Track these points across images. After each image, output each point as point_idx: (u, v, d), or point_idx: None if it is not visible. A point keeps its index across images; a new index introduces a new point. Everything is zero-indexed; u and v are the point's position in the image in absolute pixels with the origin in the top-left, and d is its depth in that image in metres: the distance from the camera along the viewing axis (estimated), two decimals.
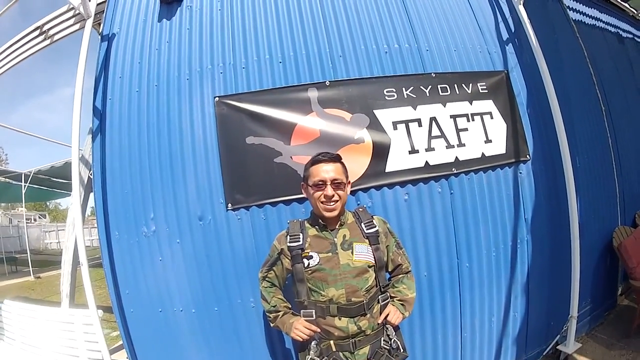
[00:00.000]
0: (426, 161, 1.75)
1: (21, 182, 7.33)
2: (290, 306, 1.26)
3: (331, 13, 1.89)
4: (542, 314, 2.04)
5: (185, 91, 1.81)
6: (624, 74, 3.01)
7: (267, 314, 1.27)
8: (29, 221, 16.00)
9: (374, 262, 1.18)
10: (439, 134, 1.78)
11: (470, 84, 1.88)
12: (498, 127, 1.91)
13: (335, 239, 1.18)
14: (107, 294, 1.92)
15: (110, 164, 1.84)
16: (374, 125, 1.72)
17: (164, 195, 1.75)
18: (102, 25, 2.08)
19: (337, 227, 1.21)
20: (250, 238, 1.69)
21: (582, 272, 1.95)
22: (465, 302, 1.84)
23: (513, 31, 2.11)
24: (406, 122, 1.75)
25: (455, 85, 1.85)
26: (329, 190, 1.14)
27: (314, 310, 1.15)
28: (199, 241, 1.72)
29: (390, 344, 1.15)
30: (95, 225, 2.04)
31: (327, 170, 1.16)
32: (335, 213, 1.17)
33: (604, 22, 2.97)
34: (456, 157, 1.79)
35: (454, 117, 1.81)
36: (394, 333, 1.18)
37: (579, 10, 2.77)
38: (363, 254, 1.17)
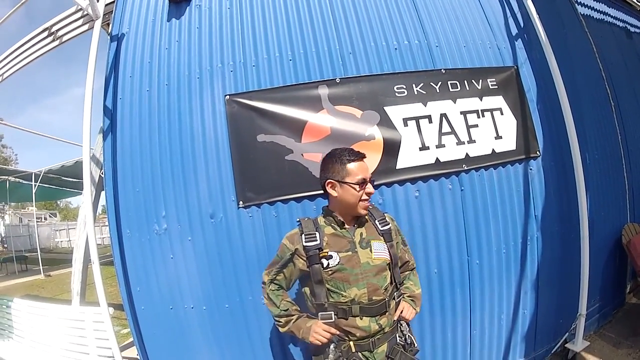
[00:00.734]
0: (437, 158, 1.75)
1: (31, 181, 7.38)
2: (299, 309, 1.22)
3: (340, 10, 1.89)
4: (551, 312, 2.03)
5: (195, 90, 1.82)
6: (633, 69, 2.98)
7: (277, 318, 1.21)
8: (39, 220, 16.19)
9: (390, 259, 1.18)
10: (450, 130, 1.78)
11: (480, 80, 1.87)
12: (508, 123, 1.90)
13: (353, 237, 1.16)
14: (118, 292, 1.94)
15: (122, 162, 1.85)
16: (385, 122, 1.72)
17: (176, 193, 1.76)
18: (111, 26, 2.09)
19: (354, 225, 1.19)
20: (261, 235, 1.70)
21: (591, 270, 1.94)
22: (475, 299, 1.84)
23: (522, 26, 2.10)
24: (417, 119, 1.75)
25: (465, 82, 1.84)
26: (372, 188, 1.16)
27: (333, 312, 1.12)
28: (211, 239, 1.72)
29: (405, 340, 1.16)
30: (106, 223, 2.05)
31: (367, 169, 1.17)
32: (367, 211, 1.19)
33: (612, 16, 2.94)
34: (466, 154, 1.79)
35: (464, 113, 1.81)
36: (407, 328, 1.19)
37: (587, 4, 2.74)
38: (381, 251, 1.17)
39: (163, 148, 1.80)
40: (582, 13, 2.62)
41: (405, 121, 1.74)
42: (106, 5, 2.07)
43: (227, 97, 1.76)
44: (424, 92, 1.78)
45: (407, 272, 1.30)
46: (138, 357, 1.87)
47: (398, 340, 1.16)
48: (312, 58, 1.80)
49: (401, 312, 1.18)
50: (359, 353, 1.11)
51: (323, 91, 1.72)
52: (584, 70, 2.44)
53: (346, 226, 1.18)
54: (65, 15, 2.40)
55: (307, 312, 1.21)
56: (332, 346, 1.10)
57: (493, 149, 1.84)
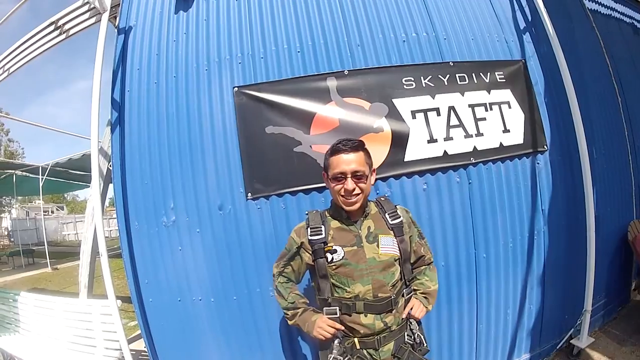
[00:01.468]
0: (445, 150, 1.75)
1: (39, 175, 7.38)
2: (308, 302, 1.21)
3: (349, 2, 1.89)
4: (557, 307, 2.03)
5: (204, 82, 1.81)
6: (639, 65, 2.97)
7: (285, 311, 1.20)
8: (46, 213, 16.21)
9: (399, 255, 1.13)
10: (458, 123, 1.78)
11: (488, 73, 1.87)
12: (516, 117, 1.90)
13: (359, 232, 1.12)
14: (125, 284, 1.94)
15: (130, 155, 1.85)
16: (393, 114, 1.72)
17: (184, 185, 1.76)
18: (118, 19, 2.09)
19: (361, 218, 1.14)
20: (270, 227, 1.70)
21: (597, 266, 1.93)
22: (482, 293, 1.84)
23: (530, 20, 2.09)
24: (425, 111, 1.74)
25: (474, 74, 1.84)
26: (349, 184, 1.06)
27: (337, 307, 1.10)
28: (219, 230, 1.73)
29: (414, 339, 1.12)
30: (114, 216, 2.06)
31: (347, 161, 1.07)
32: (356, 207, 1.10)
33: (619, 12, 2.93)
34: (474, 147, 1.79)
35: (472, 106, 1.80)
36: (417, 327, 1.14)
37: None
38: (389, 246, 1.11)
39: (171, 140, 1.80)
40: (589, 8, 2.61)
41: (414, 113, 1.73)
42: None
43: (236, 89, 1.76)
44: (432, 85, 1.78)
45: (423, 267, 1.24)
46: (145, 349, 1.88)
47: (406, 339, 1.11)
48: (321, 50, 1.79)
49: (410, 310, 1.13)
50: (364, 350, 1.09)
51: (331, 83, 1.72)
52: (592, 65, 2.43)
53: (352, 220, 1.14)
54: (72, 8, 2.39)
55: (316, 306, 1.19)
56: (336, 341, 1.08)
57: (501, 143, 1.84)
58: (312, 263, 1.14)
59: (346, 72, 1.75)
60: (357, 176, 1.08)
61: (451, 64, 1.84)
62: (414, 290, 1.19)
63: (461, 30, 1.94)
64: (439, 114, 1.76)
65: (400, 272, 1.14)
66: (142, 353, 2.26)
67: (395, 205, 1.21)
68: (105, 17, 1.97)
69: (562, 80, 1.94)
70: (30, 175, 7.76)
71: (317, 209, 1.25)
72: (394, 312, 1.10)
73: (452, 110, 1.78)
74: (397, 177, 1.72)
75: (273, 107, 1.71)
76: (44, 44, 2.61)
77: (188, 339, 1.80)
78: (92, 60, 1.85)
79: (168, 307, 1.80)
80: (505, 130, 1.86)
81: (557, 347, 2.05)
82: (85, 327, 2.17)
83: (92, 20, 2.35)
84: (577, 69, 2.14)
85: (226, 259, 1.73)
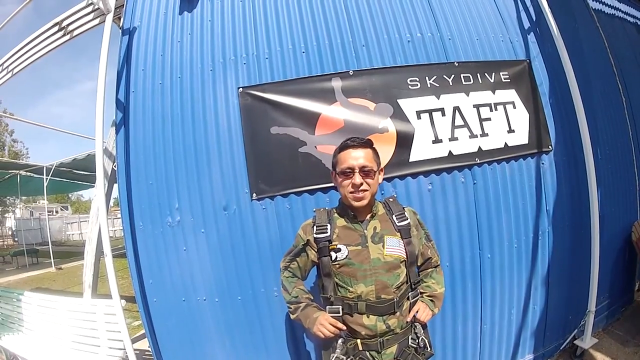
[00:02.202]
0: (450, 151, 1.75)
1: (43, 175, 7.39)
2: (312, 298, 1.20)
3: (353, 2, 1.89)
4: (561, 307, 2.03)
5: (208, 82, 1.82)
6: None
7: (288, 305, 1.20)
8: (50, 213, 16.25)
9: (405, 257, 1.11)
10: (462, 123, 1.77)
11: (493, 73, 1.86)
12: (521, 117, 1.89)
13: (365, 231, 1.11)
14: (129, 284, 1.94)
15: (135, 155, 1.86)
16: (398, 114, 1.72)
17: (189, 185, 1.77)
18: (122, 20, 2.10)
19: (367, 218, 1.14)
20: (274, 227, 1.70)
21: (601, 266, 1.93)
22: (486, 293, 1.84)
23: (534, 20, 2.09)
24: (430, 112, 1.74)
25: (478, 75, 1.84)
26: (357, 179, 1.07)
27: (340, 307, 1.09)
28: (224, 231, 1.73)
29: (418, 342, 1.10)
30: (118, 216, 2.06)
31: (356, 157, 1.09)
32: (364, 203, 1.10)
33: (623, 12, 2.93)
34: (479, 147, 1.79)
35: (477, 106, 1.80)
36: (422, 331, 1.12)
37: None
38: (395, 248, 1.10)
39: (176, 141, 1.80)
40: (593, 8, 2.61)
41: (419, 114, 1.73)
42: None
43: (241, 89, 1.76)
44: (437, 85, 1.78)
45: (430, 270, 1.22)
46: (149, 349, 1.88)
47: (410, 343, 1.10)
48: (325, 50, 1.80)
49: (415, 314, 1.11)
50: (367, 352, 1.07)
51: (336, 83, 1.72)
52: (596, 65, 2.43)
53: (359, 219, 1.14)
54: (76, 9, 2.40)
55: (321, 305, 1.18)
56: (340, 341, 1.07)
57: (506, 143, 1.83)
58: (317, 261, 1.15)
59: (351, 73, 1.75)
60: (365, 171, 1.09)
61: (456, 64, 1.84)
62: (421, 293, 1.18)
63: (466, 31, 1.94)
64: (443, 114, 1.76)
65: (406, 275, 1.12)
66: (146, 353, 2.26)
67: (403, 207, 1.20)
68: (109, 17, 1.97)
69: (567, 80, 1.94)
70: (35, 176, 7.76)
71: (326, 208, 1.24)
72: (397, 314, 1.09)
73: (457, 111, 1.78)
74: (402, 177, 1.72)
75: (278, 107, 1.72)
76: (48, 45, 2.61)
77: (192, 339, 1.81)
78: (97, 61, 1.85)
79: (172, 307, 1.80)
80: (510, 131, 1.86)
81: (561, 348, 2.04)
82: (89, 326, 2.17)
83: (97, 21, 2.36)
84: (582, 69, 2.14)
85: (231, 259, 1.73)
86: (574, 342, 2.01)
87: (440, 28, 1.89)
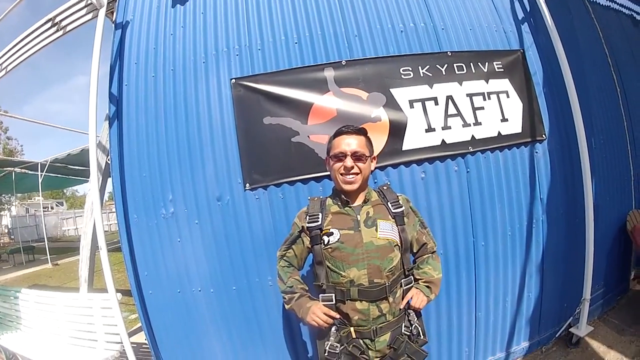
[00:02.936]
0: (442, 139, 1.75)
1: (37, 171, 7.35)
2: (307, 288, 1.20)
3: None
4: (556, 296, 2.04)
5: (201, 74, 1.82)
6: (639, 57, 2.96)
7: (283, 294, 1.21)
8: (45, 209, 16.15)
9: (398, 241, 1.12)
10: (456, 112, 1.78)
11: (487, 63, 1.87)
12: (514, 106, 1.90)
13: (358, 216, 1.12)
14: (125, 278, 1.95)
15: (128, 148, 1.86)
16: (391, 103, 1.72)
17: (182, 177, 1.77)
18: (115, 14, 2.09)
19: (360, 203, 1.15)
20: (268, 217, 1.71)
21: (596, 255, 1.93)
22: (481, 281, 1.85)
23: (528, 10, 2.09)
24: (422, 101, 1.74)
25: (472, 64, 1.84)
26: (348, 162, 1.09)
27: (333, 294, 1.09)
28: (218, 221, 1.73)
29: (411, 330, 1.10)
30: (113, 210, 2.06)
31: (349, 143, 1.11)
32: (354, 186, 1.11)
33: (618, 3, 2.93)
34: (472, 136, 1.79)
35: (470, 95, 1.80)
36: (416, 319, 1.13)
37: None
38: (387, 231, 1.10)
39: (169, 133, 1.80)
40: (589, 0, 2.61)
41: (411, 103, 1.73)
42: None
43: (233, 80, 1.76)
44: (430, 74, 1.78)
45: (426, 256, 1.22)
46: (146, 342, 1.89)
47: (403, 330, 1.10)
48: (318, 40, 1.79)
49: (408, 301, 1.11)
50: (360, 340, 1.08)
51: (329, 73, 1.72)
52: (591, 56, 2.43)
53: (352, 204, 1.14)
54: (69, 5, 2.39)
55: (316, 295, 1.19)
56: (333, 329, 1.08)
57: (499, 132, 1.84)
58: (311, 248, 1.15)
59: (344, 63, 1.75)
60: (357, 156, 1.11)
61: (449, 53, 1.84)
62: (417, 279, 1.18)
63: (459, 20, 1.94)
64: (436, 104, 1.76)
65: (400, 260, 1.13)
66: (143, 346, 2.27)
67: (398, 195, 1.21)
68: (102, 12, 1.97)
69: (561, 70, 1.94)
70: (29, 172, 7.71)
71: (320, 196, 1.25)
72: (390, 300, 1.09)
73: (450, 100, 1.78)
74: (395, 166, 1.73)
75: (270, 98, 1.72)
76: (41, 41, 2.60)
77: (188, 330, 1.81)
78: (90, 56, 1.84)
79: (168, 298, 1.80)
80: (504, 120, 1.86)
81: (556, 336, 2.05)
82: (86, 321, 2.17)
83: (89, 16, 2.35)
84: (576, 59, 2.14)
85: (225, 249, 1.74)
86: (570, 330, 2.02)
87: (433, 18, 1.89)
